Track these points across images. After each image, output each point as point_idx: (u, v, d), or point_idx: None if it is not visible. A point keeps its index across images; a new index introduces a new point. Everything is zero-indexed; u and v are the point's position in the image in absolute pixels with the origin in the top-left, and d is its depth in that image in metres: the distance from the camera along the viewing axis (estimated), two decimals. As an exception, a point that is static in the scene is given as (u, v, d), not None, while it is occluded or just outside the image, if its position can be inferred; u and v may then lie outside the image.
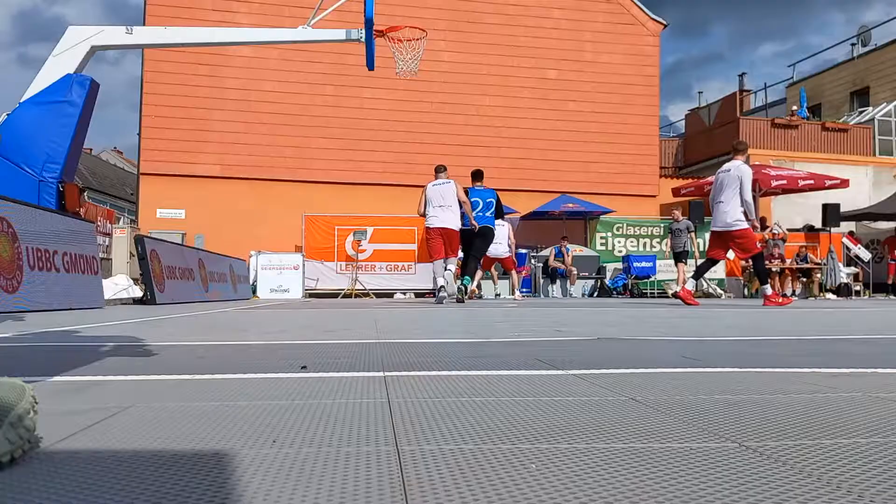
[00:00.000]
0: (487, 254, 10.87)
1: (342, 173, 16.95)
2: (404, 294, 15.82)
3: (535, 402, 1.29)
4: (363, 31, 8.46)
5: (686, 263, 14.45)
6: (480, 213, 9.83)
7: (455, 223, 9.24)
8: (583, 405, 1.25)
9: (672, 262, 14.96)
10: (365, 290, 15.29)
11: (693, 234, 14.70)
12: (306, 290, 14.87)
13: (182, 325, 4.06)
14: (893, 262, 16.81)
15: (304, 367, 1.81)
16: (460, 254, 9.73)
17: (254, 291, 14.34)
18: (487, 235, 9.83)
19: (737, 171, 8.36)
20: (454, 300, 9.29)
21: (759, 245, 8.69)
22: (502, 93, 17.86)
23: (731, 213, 8.33)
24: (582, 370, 1.73)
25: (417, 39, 9.21)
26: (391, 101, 16.90)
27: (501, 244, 12.28)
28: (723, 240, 8.49)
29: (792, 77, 28.04)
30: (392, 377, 1.64)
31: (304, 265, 14.84)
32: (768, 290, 8.37)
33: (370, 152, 17.04)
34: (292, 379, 1.62)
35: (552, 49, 18.18)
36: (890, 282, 16.81)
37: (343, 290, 15.20)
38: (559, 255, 15.98)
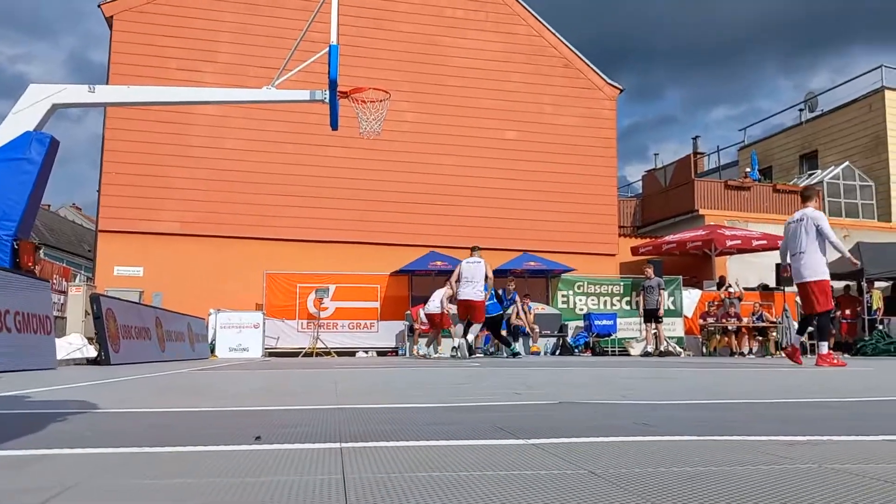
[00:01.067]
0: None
1: (305, 231, 16.92)
2: (366, 353, 15.66)
3: (494, 478, 1.27)
4: (327, 92, 8.55)
5: (660, 321, 14.61)
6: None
7: (477, 296, 11.47)
8: (541, 480, 1.24)
9: (635, 319, 15.11)
10: (326, 348, 15.09)
11: (664, 292, 14.95)
12: (266, 348, 14.62)
13: (136, 387, 3.94)
14: (845, 321, 17.20)
15: (258, 438, 1.76)
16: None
17: (212, 350, 14.05)
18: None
19: (812, 218, 7.85)
20: (462, 356, 11.07)
21: (831, 301, 8.02)
22: (463, 153, 18.15)
23: (810, 264, 7.83)
24: (542, 439, 1.71)
25: (381, 101, 9.34)
26: (354, 160, 17.03)
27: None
28: (805, 291, 7.96)
29: (744, 140, 29.00)
30: (349, 449, 1.60)
31: (264, 323, 14.63)
32: (824, 348, 7.86)
33: (333, 210, 17.08)
34: (245, 452, 1.58)
35: (512, 111, 18.60)
36: (843, 340, 17.16)
37: (304, 348, 14.99)
38: (522, 315, 15.94)
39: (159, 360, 9.82)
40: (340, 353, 15.10)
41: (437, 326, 13.08)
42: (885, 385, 3.97)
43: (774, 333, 16.07)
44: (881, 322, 16.45)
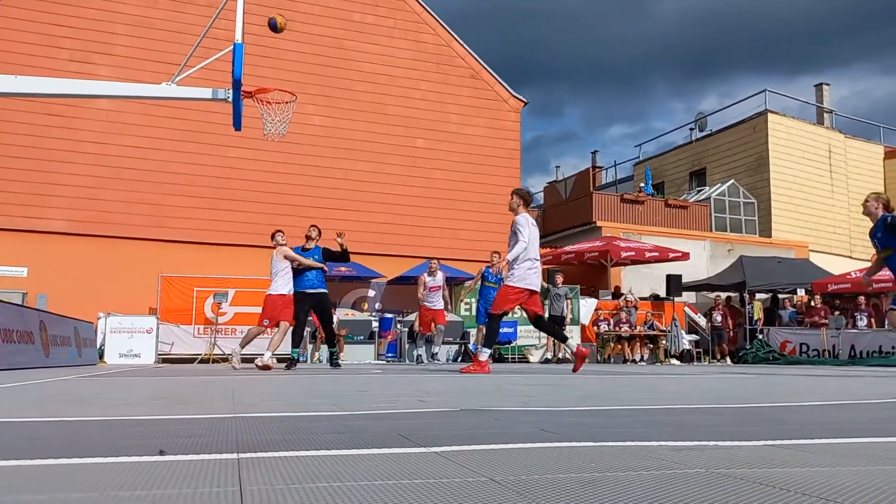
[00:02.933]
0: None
1: (204, 233, 16.39)
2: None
3: (394, 487, 1.26)
4: (230, 91, 8.34)
5: (564, 328, 14.99)
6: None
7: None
8: (442, 489, 1.24)
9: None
10: (224, 354, 14.64)
11: (570, 300, 15.41)
12: (159, 354, 14.06)
13: (16, 396, 3.70)
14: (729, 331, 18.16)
15: (162, 452, 1.68)
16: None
17: (101, 356, 13.38)
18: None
19: (514, 223, 7.48)
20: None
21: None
22: (372, 159, 18.08)
23: (515, 269, 7.50)
24: (443, 447, 1.72)
25: (286, 102, 9.18)
26: (258, 162, 16.66)
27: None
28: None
29: (639, 156, 30.24)
30: (246, 459, 1.56)
31: (157, 328, 14.06)
32: (484, 355, 7.71)
33: (234, 212, 16.62)
34: (134, 465, 1.50)
35: (420, 119, 18.69)
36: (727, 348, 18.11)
37: (200, 355, 14.49)
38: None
39: (43, 366, 9.26)
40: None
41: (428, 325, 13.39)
42: (766, 392, 4.20)
43: (664, 341, 16.79)
44: (761, 332, 17.47)
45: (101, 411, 2.87)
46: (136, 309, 14.75)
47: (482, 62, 19.78)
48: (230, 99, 8.34)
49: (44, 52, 15.31)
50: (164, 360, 14.11)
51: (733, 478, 1.32)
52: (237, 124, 8.61)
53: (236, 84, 8.22)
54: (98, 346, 13.54)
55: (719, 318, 17.38)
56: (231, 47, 8.18)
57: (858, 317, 16.41)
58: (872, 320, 16.35)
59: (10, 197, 15.09)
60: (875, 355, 14.44)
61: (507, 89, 19.91)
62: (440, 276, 13.25)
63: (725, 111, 35.68)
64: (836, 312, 17.13)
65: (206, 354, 14.46)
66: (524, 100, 20.15)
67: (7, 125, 15.17)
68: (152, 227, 15.99)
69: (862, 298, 16.79)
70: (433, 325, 13.26)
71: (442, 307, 13.24)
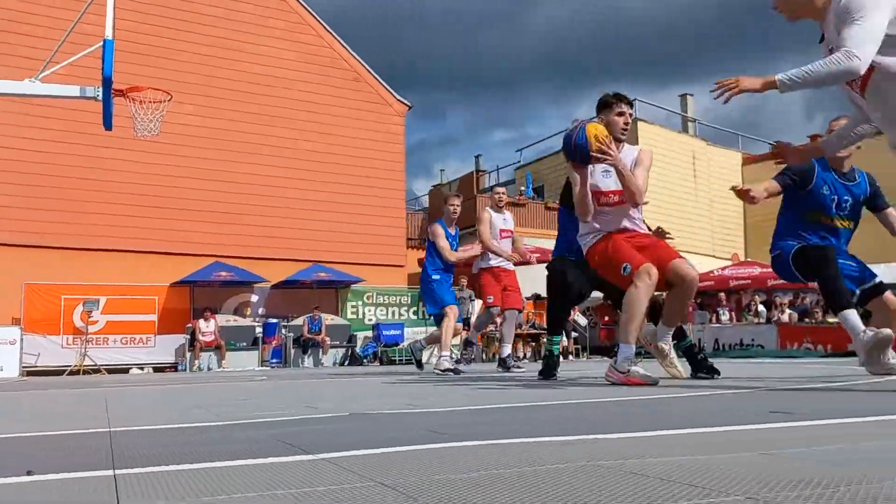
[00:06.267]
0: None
1: (72, 238, 15.43)
2: (142, 369, 14.62)
3: (284, 497, 1.24)
4: (100, 89, 7.91)
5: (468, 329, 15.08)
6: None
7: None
8: (332, 496, 1.23)
9: (423, 328, 15.47)
10: (96, 365, 13.87)
11: (473, 302, 15.58)
12: (24, 367, 13.14)
13: None
14: (604, 327, 18.99)
15: (29, 472, 1.57)
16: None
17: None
18: None
19: None
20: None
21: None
22: (253, 160, 17.63)
23: None
24: (332, 453, 1.71)
25: (161, 101, 8.81)
26: (133, 164, 15.87)
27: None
28: None
29: (519, 161, 31.01)
30: (123, 475, 1.49)
31: (21, 339, 13.15)
32: None
33: (106, 216, 15.75)
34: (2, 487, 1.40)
35: (304, 121, 18.40)
36: (601, 344, 18.95)
37: (70, 366, 13.65)
38: (314, 327, 15.89)
39: None
40: (112, 371, 13.96)
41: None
42: (635, 389, 4.41)
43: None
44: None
45: (-43, 432, 2.65)
46: (-5, 320, 13.74)
47: (366, 65, 19.71)
48: (100, 97, 7.91)
49: None
50: (30, 373, 13.19)
51: (614, 469, 1.39)
52: (108, 123, 8.18)
53: (107, 82, 7.82)
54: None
55: (596, 317, 18.13)
56: (101, 43, 7.77)
57: (721, 312, 17.55)
58: (733, 314, 17.54)
59: None
60: (737, 348, 15.47)
61: (391, 93, 19.93)
62: (510, 214, 8.78)
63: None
64: (700, 308, 18.24)
65: (75, 366, 13.63)
66: (408, 104, 20.24)
67: None
68: (14, 233, 14.90)
69: (723, 295, 17.98)
70: (502, 305, 8.26)
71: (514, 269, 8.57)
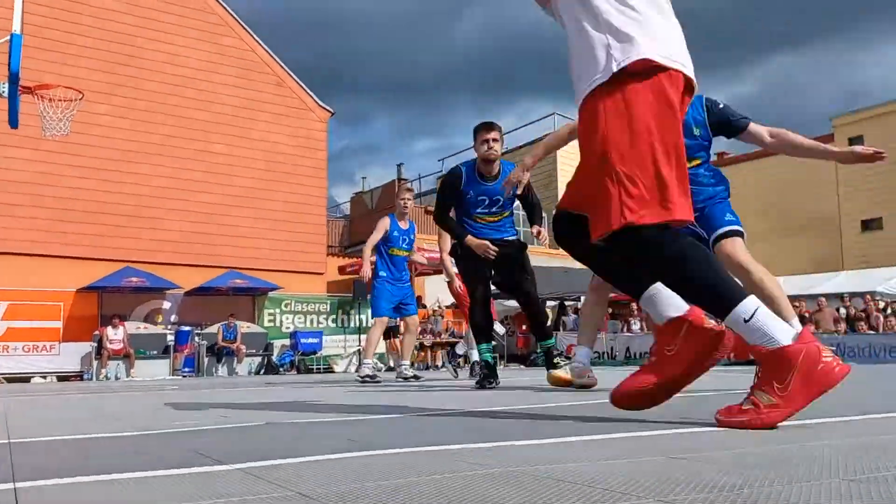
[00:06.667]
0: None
1: (-30, 241, 14.59)
2: (44, 378, 13.95)
3: (199, 507, 1.22)
4: (6, 86, 7.54)
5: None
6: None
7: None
8: (250, 505, 1.22)
9: (341, 336, 15.33)
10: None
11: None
12: None
13: None
14: (521, 336, 19.30)
15: None
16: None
17: None
18: None
19: None
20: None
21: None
22: (168, 163, 17.11)
23: None
24: (249, 463, 1.68)
25: (72, 100, 8.46)
26: (38, 164, 15.15)
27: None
28: None
29: (441, 170, 31.22)
30: (26, 488, 1.43)
31: None
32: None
33: (10, 218, 14.96)
34: None
35: (222, 124, 18.00)
36: (518, 352, 19.25)
37: (-38, 376, 12.89)
38: (229, 335, 15.53)
39: None
40: (11, 380, 13.26)
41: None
42: (547, 395, 4.51)
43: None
44: (552, 337, 18.73)
45: None
46: None
47: (288, 70, 19.45)
48: (5, 94, 7.54)
49: None
50: (-84, 385, 12.37)
51: (528, 475, 1.42)
52: (13, 121, 7.80)
53: (13, 77, 7.46)
54: None
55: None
56: (8, 37, 7.41)
57: (633, 321, 18.13)
58: (644, 324, 18.14)
59: None
60: (646, 356, 16.02)
61: (313, 98, 19.73)
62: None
63: (520, 130, 37.87)
64: (612, 318, 18.79)
65: (-31, 376, 12.89)
66: (331, 110, 20.08)
67: None
68: None
69: (634, 305, 18.57)
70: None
71: None
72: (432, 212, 6.20)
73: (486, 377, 5.47)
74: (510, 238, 5.52)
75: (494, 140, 5.22)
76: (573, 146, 3.55)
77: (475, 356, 7.57)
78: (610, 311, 19.38)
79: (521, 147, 28.06)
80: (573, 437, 2.04)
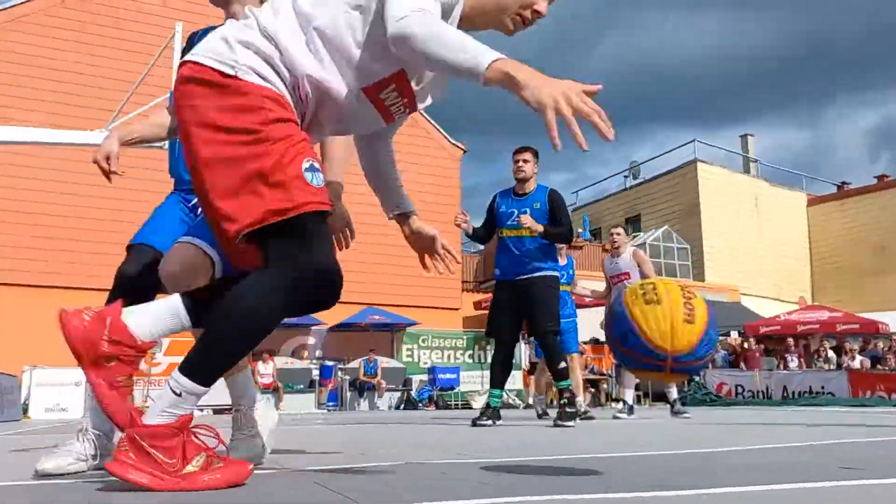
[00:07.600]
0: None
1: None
2: (201, 411, 14.80)
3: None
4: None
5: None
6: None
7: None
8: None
9: (478, 373, 15.34)
10: (155, 407, 14.10)
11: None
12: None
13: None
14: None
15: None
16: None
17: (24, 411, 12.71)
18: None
19: None
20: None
21: None
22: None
23: None
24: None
25: None
26: None
27: None
28: None
29: (576, 202, 30.88)
30: None
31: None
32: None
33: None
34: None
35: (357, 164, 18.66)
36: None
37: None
38: (370, 370, 15.94)
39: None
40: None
41: None
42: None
43: (605, 385, 16.94)
44: (698, 374, 17.78)
45: None
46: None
47: (424, 114, 20.00)
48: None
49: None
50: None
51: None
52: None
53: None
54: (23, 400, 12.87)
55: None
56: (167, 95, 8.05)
57: (789, 358, 16.89)
58: (802, 361, 16.86)
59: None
60: (805, 395, 14.83)
61: (445, 136, 20.15)
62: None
63: (657, 160, 36.92)
64: (767, 354, 17.61)
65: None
66: (463, 147, 20.42)
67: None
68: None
69: (791, 340, 17.33)
70: None
71: None
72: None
73: (483, 415, 5.99)
74: (532, 276, 5.97)
75: (525, 161, 6.14)
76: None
77: (628, 396, 8.56)
78: (763, 346, 18.22)
79: (657, 177, 27.26)
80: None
